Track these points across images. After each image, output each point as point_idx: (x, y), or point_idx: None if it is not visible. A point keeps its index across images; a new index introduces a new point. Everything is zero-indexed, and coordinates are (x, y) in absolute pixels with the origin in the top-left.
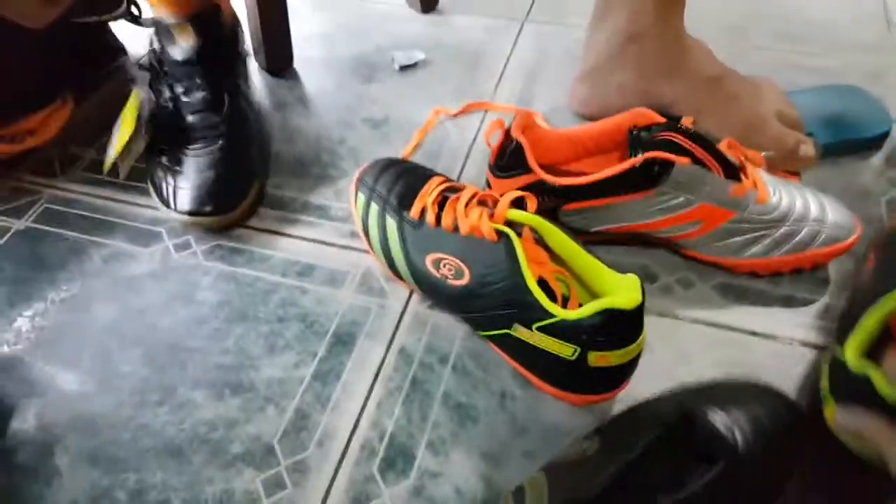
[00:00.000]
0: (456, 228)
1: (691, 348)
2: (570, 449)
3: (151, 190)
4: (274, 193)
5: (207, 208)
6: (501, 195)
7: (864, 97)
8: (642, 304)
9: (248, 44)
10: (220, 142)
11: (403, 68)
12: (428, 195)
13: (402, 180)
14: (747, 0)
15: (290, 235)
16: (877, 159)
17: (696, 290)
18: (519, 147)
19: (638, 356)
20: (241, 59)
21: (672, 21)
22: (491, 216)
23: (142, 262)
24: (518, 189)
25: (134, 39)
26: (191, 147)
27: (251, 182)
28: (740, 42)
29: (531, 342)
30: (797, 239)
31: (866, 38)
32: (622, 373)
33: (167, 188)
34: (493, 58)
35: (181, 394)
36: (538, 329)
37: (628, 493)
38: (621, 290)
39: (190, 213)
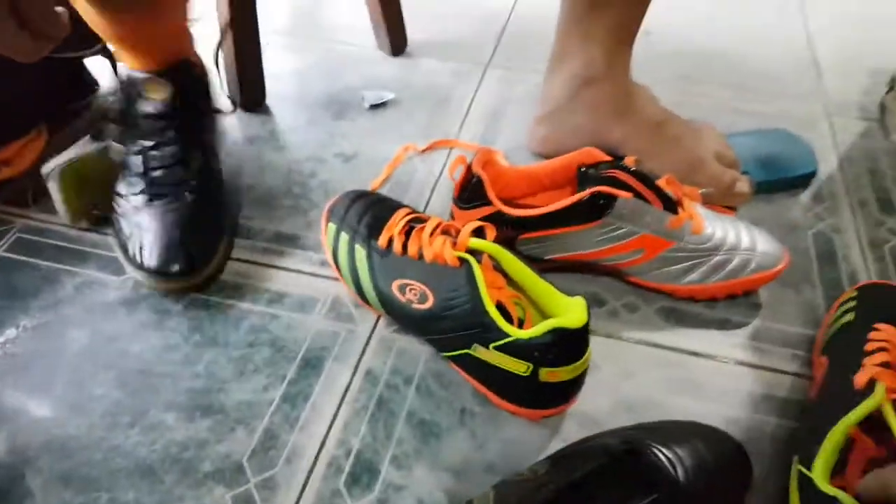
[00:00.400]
0: (421, 256)
1: (636, 367)
2: (524, 470)
3: (116, 247)
4: (245, 224)
5: (175, 268)
6: (464, 225)
7: (794, 140)
8: (587, 323)
9: (219, 97)
10: (189, 197)
11: (373, 107)
12: (395, 225)
13: (370, 211)
14: (691, 50)
15: (261, 264)
16: (805, 196)
17: (641, 313)
18: (480, 181)
19: (585, 372)
20: (210, 113)
21: (621, 69)
22: (453, 244)
23: (114, 289)
24: (479, 220)
25: (107, 75)
26: (158, 203)
27: (219, 239)
28: (684, 89)
29: (489, 361)
30: (730, 267)
31: (798, 87)
32: (571, 388)
33: (133, 246)
34: (458, 99)
35: (153, 416)
36: (495, 348)
37: None
38: (569, 311)
39: (157, 273)
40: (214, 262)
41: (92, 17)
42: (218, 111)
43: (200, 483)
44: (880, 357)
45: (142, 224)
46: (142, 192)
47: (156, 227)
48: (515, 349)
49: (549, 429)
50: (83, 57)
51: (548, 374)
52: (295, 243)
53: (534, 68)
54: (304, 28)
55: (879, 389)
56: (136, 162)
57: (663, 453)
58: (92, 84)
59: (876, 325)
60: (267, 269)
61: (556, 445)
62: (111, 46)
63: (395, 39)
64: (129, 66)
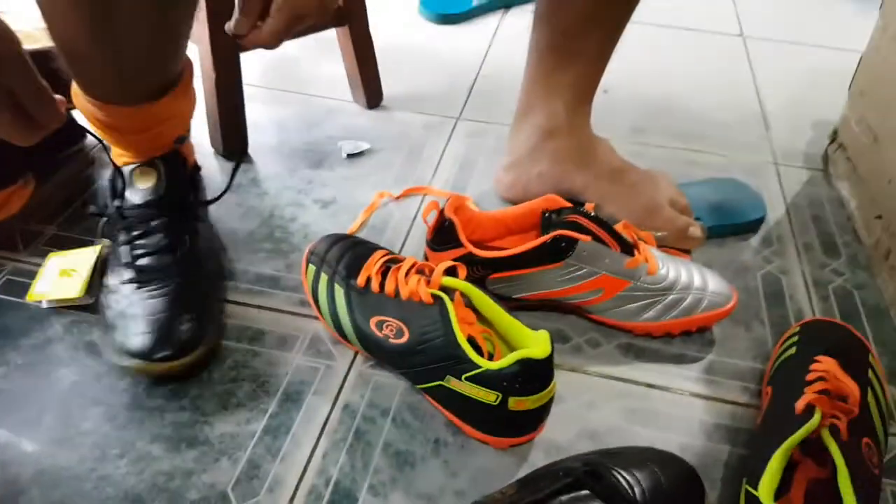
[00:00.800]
0: (397, 294)
1: (598, 399)
2: (495, 492)
3: (103, 337)
4: (228, 266)
5: (163, 353)
6: (437, 266)
7: (744, 188)
8: (552, 354)
9: (205, 188)
10: (175, 282)
11: (350, 156)
12: (373, 265)
13: (349, 253)
14: (647, 105)
15: (243, 304)
16: (754, 241)
17: (602, 349)
18: (452, 225)
19: (551, 401)
20: (199, 201)
21: (581, 122)
22: (427, 282)
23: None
24: (451, 261)
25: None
26: (145, 289)
27: (209, 321)
28: (641, 140)
29: (461, 391)
30: (683, 305)
31: (747, 138)
32: (538, 416)
33: (119, 334)
34: (430, 149)
35: (140, 447)
36: (467, 379)
37: None
38: (534, 343)
39: (145, 358)
40: (203, 345)
41: (88, 109)
42: (208, 202)
43: None
44: (819, 385)
45: (128, 311)
46: (129, 280)
47: (143, 312)
48: (485, 379)
49: (517, 457)
50: (69, 109)
51: (516, 403)
52: (276, 284)
53: (500, 122)
54: (284, 81)
55: (817, 414)
56: (124, 252)
57: (623, 476)
58: (79, 132)
59: (816, 357)
60: (249, 309)
61: (523, 472)
62: (106, 140)
63: (371, 93)
64: (119, 159)
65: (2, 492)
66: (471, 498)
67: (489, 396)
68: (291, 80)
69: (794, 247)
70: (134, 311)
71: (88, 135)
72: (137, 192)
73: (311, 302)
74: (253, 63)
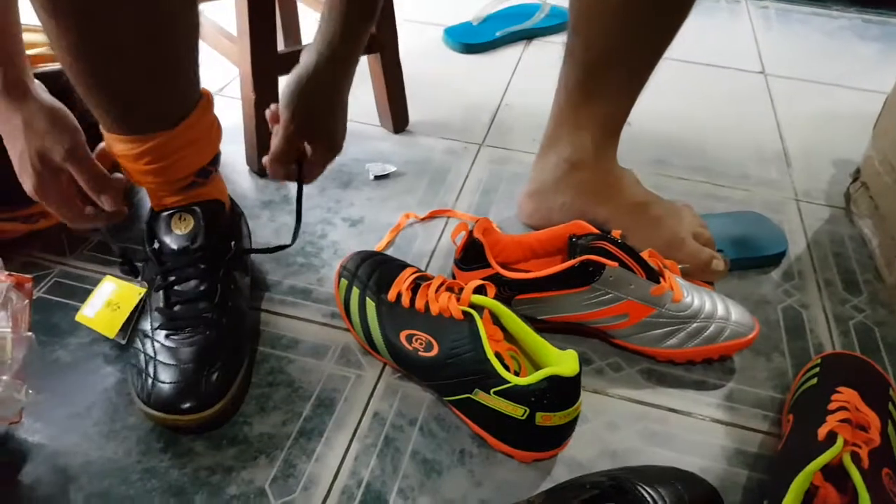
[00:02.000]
0: (427, 309)
1: (620, 420)
2: (522, 501)
3: (129, 376)
4: (264, 277)
5: (186, 405)
6: (465, 284)
7: (765, 223)
8: (580, 373)
9: (249, 236)
10: (207, 332)
11: (377, 178)
12: (403, 281)
13: (380, 269)
14: (670, 138)
15: (277, 314)
16: (775, 274)
17: (624, 373)
18: (480, 246)
19: (576, 419)
20: (239, 250)
21: (608, 155)
22: (458, 300)
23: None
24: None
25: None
26: (175, 336)
27: (235, 375)
28: (663, 172)
29: (489, 405)
30: (706, 333)
31: (768, 174)
32: (563, 433)
33: (144, 379)
34: (454, 173)
35: (183, 443)
36: (495, 393)
37: None
38: (563, 362)
39: (165, 411)
40: (227, 398)
41: (124, 156)
42: (249, 251)
43: (227, 503)
44: (841, 415)
45: (158, 358)
46: (161, 326)
47: (169, 360)
48: (514, 394)
49: (540, 471)
50: None
51: (543, 418)
52: (308, 296)
53: (521, 149)
54: None
55: (839, 440)
56: (158, 297)
57: (647, 491)
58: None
59: (838, 388)
60: (283, 319)
61: (546, 485)
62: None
63: (398, 119)
64: (159, 205)
65: (53, 480)
66: None
67: (517, 411)
68: None
69: (815, 282)
70: (162, 358)
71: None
72: (174, 238)
73: (343, 314)
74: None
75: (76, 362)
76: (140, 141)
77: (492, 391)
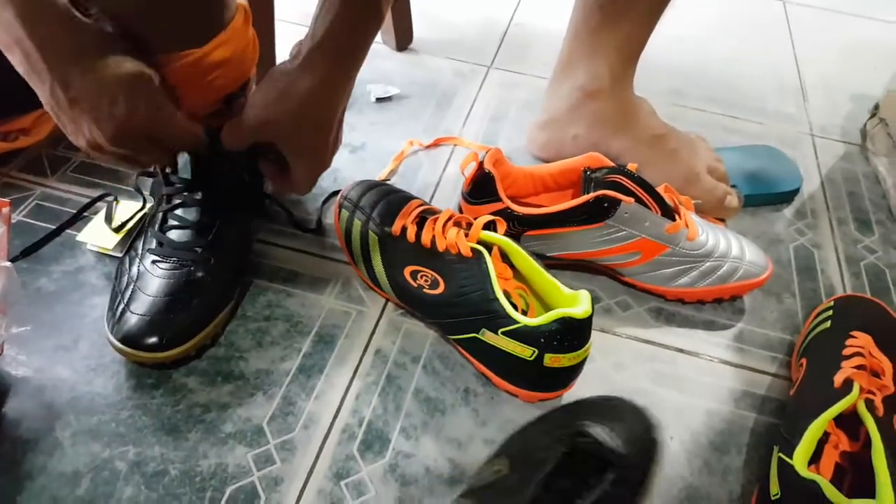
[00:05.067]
0: (433, 245)
1: (627, 360)
2: (483, 473)
3: (110, 293)
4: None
5: (148, 341)
6: (474, 218)
7: (780, 157)
8: (591, 315)
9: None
10: (191, 268)
11: (379, 100)
12: (408, 214)
13: (384, 200)
14: (685, 68)
15: (276, 244)
16: (788, 212)
17: (633, 312)
18: (490, 178)
19: (584, 361)
20: (255, 192)
21: (624, 84)
22: (466, 236)
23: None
24: (489, 215)
25: None
26: (160, 264)
27: (207, 321)
28: (678, 102)
29: (496, 345)
30: (719, 273)
31: (784, 108)
32: (570, 374)
33: (118, 305)
34: (461, 98)
35: (175, 379)
36: (503, 333)
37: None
38: (575, 303)
39: (126, 343)
40: (191, 343)
41: None
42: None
43: (223, 442)
44: (857, 361)
45: (137, 283)
46: (150, 250)
47: (149, 290)
48: (523, 335)
49: (544, 410)
50: None
51: (551, 360)
52: (307, 227)
53: (533, 73)
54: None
55: (855, 388)
56: (157, 218)
57: (607, 433)
58: None
59: (852, 333)
60: (280, 250)
61: None
62: None
63: (402, 35)
64: None
65: (38, 415)
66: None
67: (525, 352)
68: None
69: (827, 221)
70: (140, 285)
71: None
72: (183, 160)
73: (344, 247)
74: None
75: (61, 292)
76: (163, 61)
77: (500, 331)
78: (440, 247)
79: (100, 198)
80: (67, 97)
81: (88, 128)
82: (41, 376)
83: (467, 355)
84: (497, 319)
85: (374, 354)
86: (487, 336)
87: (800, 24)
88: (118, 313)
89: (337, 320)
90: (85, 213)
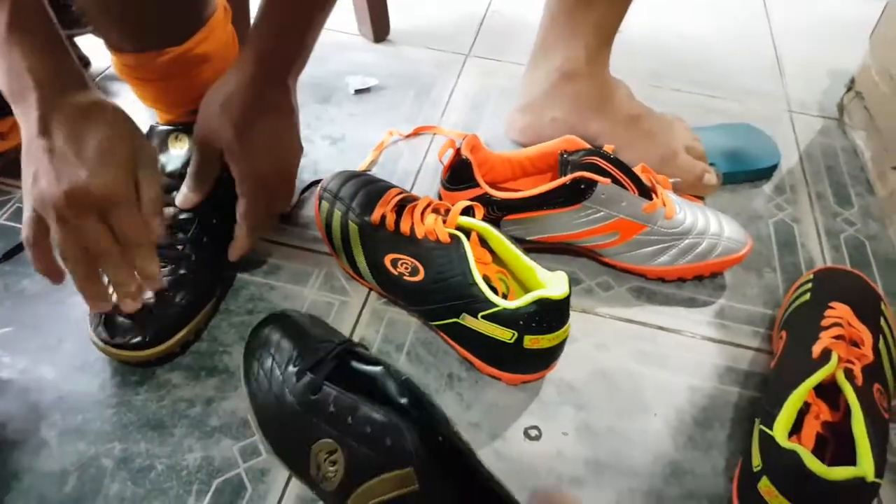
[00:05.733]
0: (412, 232)
1: (609, 340)
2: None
3: None
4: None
5: (132, 339)
6: (452, 205)
7: (758, 135)
8: (569, 295)
9: None
10: (173, 265)
11: (357, 92)
12: (387, 203)
13: (363, 190)
14: (662, 47)
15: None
16: (767, 188)
17: (614, 292)
18: (468, 164)
19: (564, 341)
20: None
21: (600, 66)
22: (444, 222)
23: None
24: (467, 200)
25: (98, 54)
26: None
27: (190, 316)
28: (656, 83)
29: (477, 329)
30: (698, 250)
31: (762, 85)
32: (551, 355)
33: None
34: (440, 87)
35: (159, 375)
36: (483, 317)
37: None
38: (552, 284)
39: (109, 343)
40: (174, 340)
41: (114, 61)
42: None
43: (208, 435)
44: (835, 331)
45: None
46: None
47: None
48: (502, 318)
49: (528, 392)
50: (74, 35)
51: (531, 342)
52: (287, 219)
53: (511, 60)
54: None
55: (834, 358)
56: None
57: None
58: (84, 61)
59: (831, 304)
60: (261, 243)
61: (535, 406)
62: (145, 102)
63: (378, 26)
64: (160, 116)
65: (24, 415)
66: (484, 430)
67: (505, 334)
68: None
69: (806, 195)
70: None
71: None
72: (169, 158)
73: (325, 238)
74: None
75: (44, 292)
76: (146, 58)
77: (479, 315)
78: (419, 234)
79: None
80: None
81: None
82: (26, 377)
83: (450, 341)
84: (476, 304)
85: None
86: (468, 320)
87: (776, 1)
88: (101, 313)
89: (320, 311)
90: None
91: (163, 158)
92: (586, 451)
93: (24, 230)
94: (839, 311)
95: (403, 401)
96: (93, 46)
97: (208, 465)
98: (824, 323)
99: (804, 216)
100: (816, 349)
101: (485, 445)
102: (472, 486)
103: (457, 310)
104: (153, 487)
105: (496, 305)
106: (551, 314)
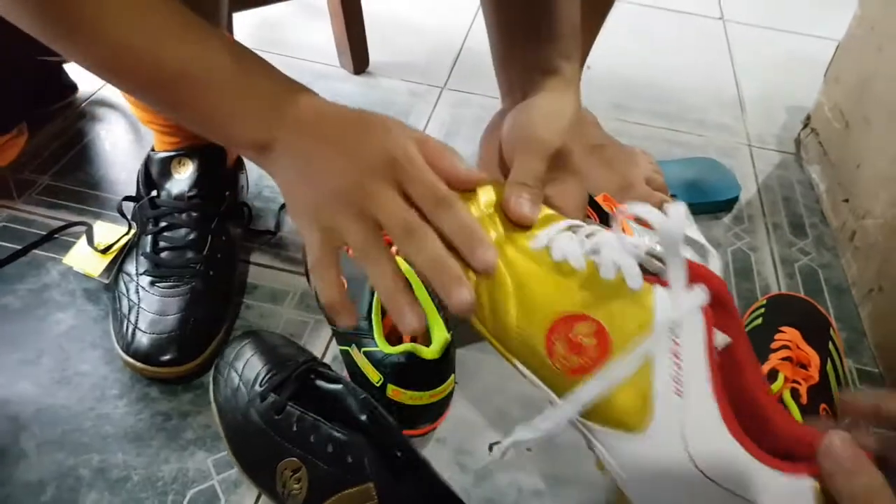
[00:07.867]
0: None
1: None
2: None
3: (110, 321)
4: None
5: (166, 357)
6: None
7: (719, 168)
8: (445, 358)
9: (245, 187)
10: (192, 283)
11: None
12: None
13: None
14: (628, 83)
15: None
16: (726, 218)
17: None
18: None
19: (437, 404)
20: (236, 203)
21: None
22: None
23: (97, 278)
24: None
25: (86, 79)
26: (160, 284)
27: (217, 329)
28: (621, 117)
29: (357, 362)
30: None
31: (723, 120)
32: (416, 415)
33: (126, 327)
34: (416, 116)
35: (138, 389)
36: (364, 352)
37: None
38: (433, 338)
39: (146, 362)
40: (207, 353)
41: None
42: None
43: (184, 447)
44: (783, 353)
45: (141, 305)
46: (146, 272)
47: (152, 309)
48: (374, 359)
49: (494, 408)
50: (62, 61)
51: (393, 392)
52: (266, 240)
53: (483, 93)
54: (271, 44)
55: (780, 377)
56: (146, 241)
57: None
58: (71, 86)
59: (781, 328)
60: (241, 264)
61: (500, 423)
62: (147, 126)
63: (358, 58)
64: (161, 145)
65: (3, 428)
66: (450, 445)
67: (374, 376)
68: (278, 43)
69: (763, 226)
70: (145, 306)
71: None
72: (173, 183)
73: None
74: (241, 24)
75: (26, 308)
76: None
77: (362, 350)
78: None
79: (71, 224)
80: None
81: None
82: (5, 391)
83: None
84: (363, 338)
85: (332, 361)
86: (354, 352)
87: (738, 40)
88: (130, 334)
89: (295, 329)
90: (56, 236)
91: (163, 183)
92: (546, 465)
93: (310, 257)
94: (788, 334)
95: (363, 417)
96: (80, 71)
97: (183, 476)
98: (773, 345)
99: (761, 245)
100: (764, 369)
101: (449, 460)
102: (430, 498)
103: (351, 338)
104: (129, 497)
105: (375, 345)
106: (418, 372)
